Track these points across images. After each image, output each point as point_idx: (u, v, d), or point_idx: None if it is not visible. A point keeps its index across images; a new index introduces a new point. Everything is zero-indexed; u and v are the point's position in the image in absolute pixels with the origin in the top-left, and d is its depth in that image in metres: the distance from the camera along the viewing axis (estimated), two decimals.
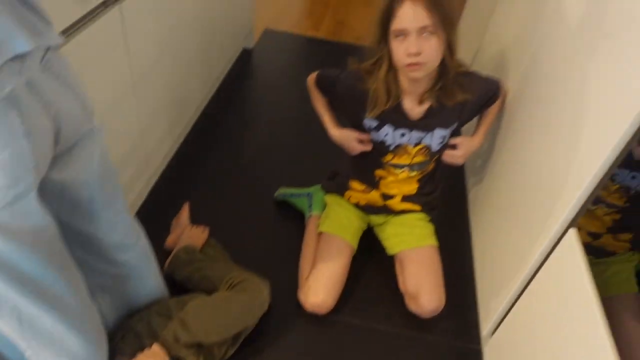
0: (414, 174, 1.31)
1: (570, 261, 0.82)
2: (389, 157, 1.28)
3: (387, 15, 1.07)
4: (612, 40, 0.84)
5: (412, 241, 1.33)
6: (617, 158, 0.76)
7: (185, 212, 1.46)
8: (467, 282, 1.38)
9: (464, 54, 2.22)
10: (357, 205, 1.39)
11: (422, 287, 1.25)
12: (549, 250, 0.92)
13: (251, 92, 2.11)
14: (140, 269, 1.00)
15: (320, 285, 1.24)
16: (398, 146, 1.25)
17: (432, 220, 1.40)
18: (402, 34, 1.05)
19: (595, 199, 0.84)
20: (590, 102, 0.86)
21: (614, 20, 0.86)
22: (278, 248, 1.45)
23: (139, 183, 1.41)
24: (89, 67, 1.03)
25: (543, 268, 0.93)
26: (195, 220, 1.47)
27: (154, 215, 1.48)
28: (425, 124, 1.21)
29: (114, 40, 1.11)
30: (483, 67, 1.80)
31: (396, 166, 1.29)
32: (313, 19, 2.85)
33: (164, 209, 1.50)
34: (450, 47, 1.10)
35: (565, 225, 0.86)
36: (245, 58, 2.36)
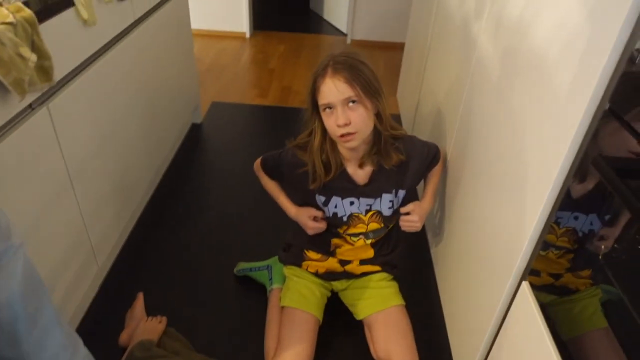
0: (369, 241, 1.31)
1: (527, 314, 0.82)
2: (344, 228, 1.28)
3: (313, 91, 1.11)
4: (527, 87, 0.88)
5: (377, 304, 1.30)
6: (555, 203, 0.77)
7: (139, 303, 1.39)
8: (439, 340, 1.35)
9: (406, 109, 2.32)
10: (316, 274, 1.36)
11: (393, 351, 1.21)
12: (507, 304, 0.91)
13: (202, 167, 2.10)
14: None
15: None
16: (350, 216, 1.25)
17: (395, 278, 1.38)
18: (329, 107, 1.09)
19: (545, 245, 0.85)
20: (522, 149, 0.89)
21: (526, 64, 0.91)
22: (242, 327, 1.39)
23: (86, 279, 1.34)
24: (22, 168, 1.00)
25: (505, 323, 0.92)
26: (151, 310, 1.39)
27: (107, 311, 1.40)
28: (371, 189, 1.22)
29: (45, 139, 1.08)
30: (424, 120, 1.87)
31: (352, 235, 1.29)
32: (259, 87, 2.91)
33: (117, 302, 1.42)
34: (379, 113, 1.13)
35: (518, 278, 0.86)
36: (194, 133, 2.36)
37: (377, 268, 1.35)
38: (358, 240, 1.30)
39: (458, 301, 1.27)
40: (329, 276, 1.36)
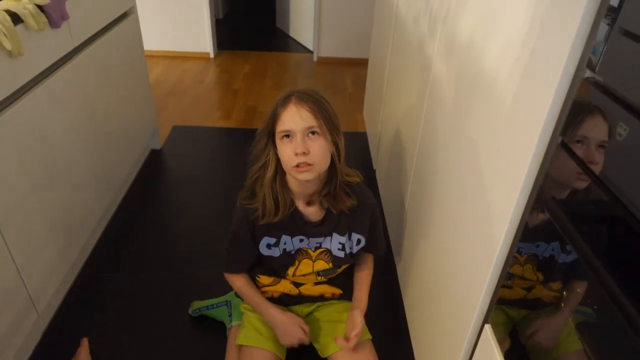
0: (320, 278, 1.24)
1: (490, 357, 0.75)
2: (292, 269, 1.20)
3: (273, 118, 1.05)
4: (480, 112, 0.83)
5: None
6: (513, 242, 0.71)
7: (84, 350, 1.28)
8: None
9: (372, 127, 2.27)
10: (272, 299, 1.26)
11: None
12: (471, 348, 0.84)
13: (160, 197, 1.99)
14: None
15: None
16: (299, 250, 1.18)
17: None
18: (289, 134, 1.03)
19: (508, 276, 0.78)
20: (478, 179, 0.83)
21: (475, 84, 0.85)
22: None
23: (24, 328, 1.22)
24: None
25: None
26: (99, 358, 1.28)
27: None
28: (322, 228, 1.16)
29: None
30: (387, 140, 1.82)
31: (301, 277, 1.23)
32: (223, 109, 2.83)
33: (61, 351, 1.30)
34: (337, 151, 1.08)
35: (480, 321, 0.79)
36: (154, 159, 2.26)
37: (336, 290, 1.28)
38: (309, 276, 1.23)
39: (426, 338, 1.20)
40: (286, 300, 1.28)
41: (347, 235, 1.17)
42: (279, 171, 1.09)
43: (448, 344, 0.97)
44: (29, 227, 1.23)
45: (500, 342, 0.76)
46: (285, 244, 1.16)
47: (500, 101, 0.74)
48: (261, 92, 3.08)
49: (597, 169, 0.53)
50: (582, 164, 0.55)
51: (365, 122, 2.56)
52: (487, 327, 0.77)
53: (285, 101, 1.04)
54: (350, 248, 1.19)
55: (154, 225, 1.81)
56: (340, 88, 3.21)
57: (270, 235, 1.16)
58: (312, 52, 3.79)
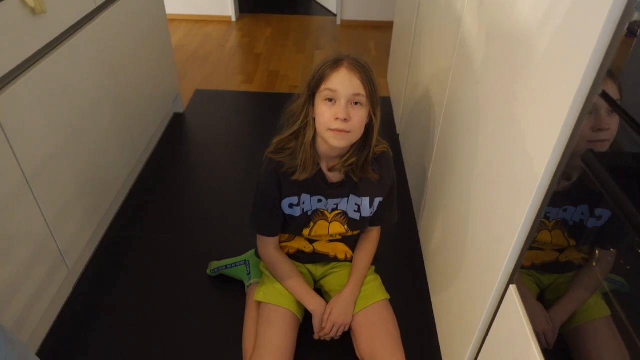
0: (336, 236, 1.25)
1: (514, 320, 0.74)
2: (307, 230, 1.21)
3: (320, 77, 1.02)
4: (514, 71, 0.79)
5: (358, 303, 1.22)
6: (542, 203, 0.69)
7: None
8: (429, 338, 1.28)
9: (396, 92, 2.22)
10: (288, 255, 1.28)
11: (378, 352, 1.14)
12: (495, 308, 0.83)
13: (184, 159, 2.01)
14: None
15: None
16: (316, 211, 1.18)
17: (377, 270, 1.31)
18: (333, 98, 1.01)
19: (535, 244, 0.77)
20: (509, 140, 0.81)
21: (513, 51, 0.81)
22: (220, 328, 1.32)
23: (55, 283, 1.27)
24: None
25: (492, 328, 0.84)
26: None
27: (80, 314, 1.33)
28: (340, 190, 1.16)
29: None
30: (412, 105, 1.78)
31: (316, 236, 1.24)
32: (245, 73, 2.81)
33: (92, 305, 1.36)
34: (372, 124, 1.07)
35: (506, 282, 0.78)
36: (177, 123, 2.27)
37: (350, 251, 1.29)
38: (325, 237, 1.24)
39: (447, 300, 1.20)
40: (301, 257, 1.29)
41: (364, 198, 1.17)
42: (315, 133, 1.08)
43: (470, 305, 0.96)
44: (58, 185, 1.25)
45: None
46: (304, 203, 1.16)
47: (535, 53, 0.71)
48: (283, 56, 3.04)
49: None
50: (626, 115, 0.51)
51: (389, 86, 2.51)
52: (512, 288, 0.76)
53: (336, 63, 1.01)
54: (366, 211, 1.18)
55: (178, 187, 1.84)
56: (364, 52, 3.14)
57: (294, 194, 1.15)
58: (335, 15, 3.69)
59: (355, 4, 3.56)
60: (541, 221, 0.73)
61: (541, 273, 0.86)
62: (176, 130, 2.21)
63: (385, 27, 3.48)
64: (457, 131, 1.14)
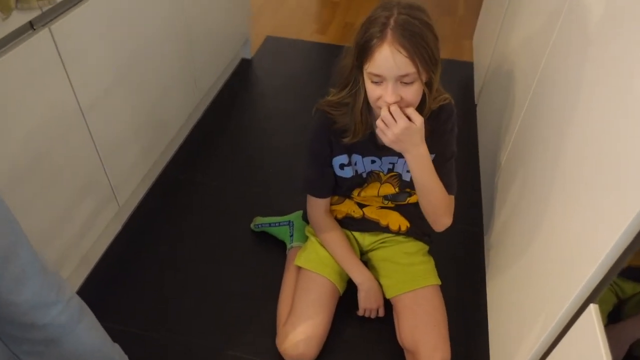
0: (387, 203, 1.16)
1: (588, 346, 0.61)
2: (357, 190, 1.13)
3: (364, 52, 0.89)
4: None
5: (406, 282, 1.14)
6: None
7: None
8: (478, 334, 1.17)
9: (481, 58, 2.01)
10: (336, 220, 1.20)
11: (421, 341, 1.06)
12: (565, 324, 0.71)
13: (247, 106, 1.95)
14: (71, 328, 0.86)
15: (298, 335, 1.07)
16: (370, 173, 1.10)
17: (430, 252, 1.21)
18: (379, 79, 0.89)
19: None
20: (616, 134, 0.65)
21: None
22: (257, 288, 1.28)
23: (104, 218, 1.28)
24: (25, 90, 0.92)
25: (559, 346, 0.72)
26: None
27: (129, 251, 1.35)
28: (394, 150, 1.03)
29: (48, 64, 0.97)
30: (495, 77, 1.58)
31: (365, 199, 1.16)
32: (320, 22, 2.66)
33: (140, 243, 1.37)
34: (430, 86, 0.93)
35: (584, 298, 0.65)
36: (244, 69, 2.20)
37: (403, 222, 1.18)
38: (376, 199, 1.15)
39: (507, 297, 1.07)
40: (349, 223, 1.21)
41: None
42: (366, 99, 0.96)
43: (534, 313, 0.83)
44: (115, 119, 1.23)
45: None
46: (356, 164, 1.08)
47: None
48: (362, 5, 2.85)
49: None
50: None
51: (474, 50, 2.28)
52: (593, 307, 0.63)
53: (379, 34, 0.86)
54: None
55: (237, 135, 1.79)
56: (451, 9, 2.87)
57: (345, 153, 1.07)
58: None
59: None
60: None
61: (625, 280, 0.71)
62: (242, 76, 2.15)
63: None
64: (545, 117, 0.97)
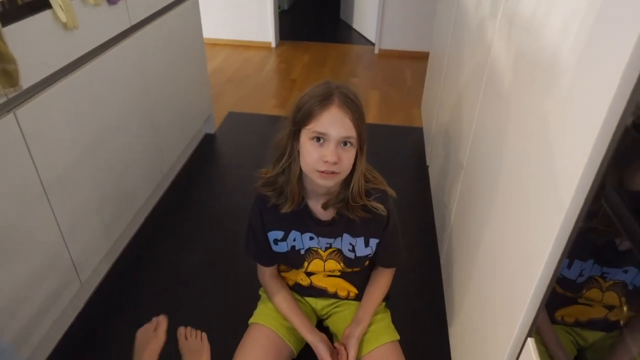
0: (333, 271, 1.16)
1: None
2: (304, 266, 1.14)
3: (307, 114, 0.92)
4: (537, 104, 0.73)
5: (365, 342, 1.12)
6: (564, 250, 0.62)
7: (162, 327, 1.08)
8: None
9: (428, 122, 2.16)
10: (288, 286, 1.21)
11: None
12: None
13: (211, 179, 2.01)
14: None
15: None
16: (309, 250, 1.11)
17: (387, 306, 1.22)
18: (322, 138, 0.93)
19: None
20: (533, 173, 0.74)
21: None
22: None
23: (66, 295, 1.26)
24: None
25: None
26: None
27: (92, 328, 1.32)
28: (332, 229, 1.08)
29: (12, 146, 1.01)
30: (440, 132, 1.71)
31: (313, 271, 1.16)
32: (278, 97, 2.83)
33: (102, 324, 1.34)
34: (361, 154, 0.98)
35: (523, 335, 0.70)
36: (207, 142, 2.29)
37: (351, 288, 1.19)
38: (322, 273, 1.16)
39: (467, 342, 1.11)
40: (299, 290, 1.21)
41: (358, 238, 1.09)
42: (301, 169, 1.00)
43: (488, 355, 0.88)
44: (77, 196, 1.26)
45: None
46: (294, 240, 1.10)
47: (562, 78, 0.65)
48: (318, 81, 3.04)
49: None
50: None
51: (423, 116, 2.46)
52: (530, 341, 0.68)
53: (326, 100, 0.91)
54: (361, 251, 1.10)
55: (202, 208, 1.83)
56: (399, 81, 3.11)
57: (279, 229, 1.09)
58: (373, 44, 3.70)
59: (393, 33, 3.55)
60: (595, 279, 0.66)
61: (586, 329, 0.76)
62: (206, 151, 2.23)
63: (422, 58, 3.44)
64: (484, 158, 1.07)
